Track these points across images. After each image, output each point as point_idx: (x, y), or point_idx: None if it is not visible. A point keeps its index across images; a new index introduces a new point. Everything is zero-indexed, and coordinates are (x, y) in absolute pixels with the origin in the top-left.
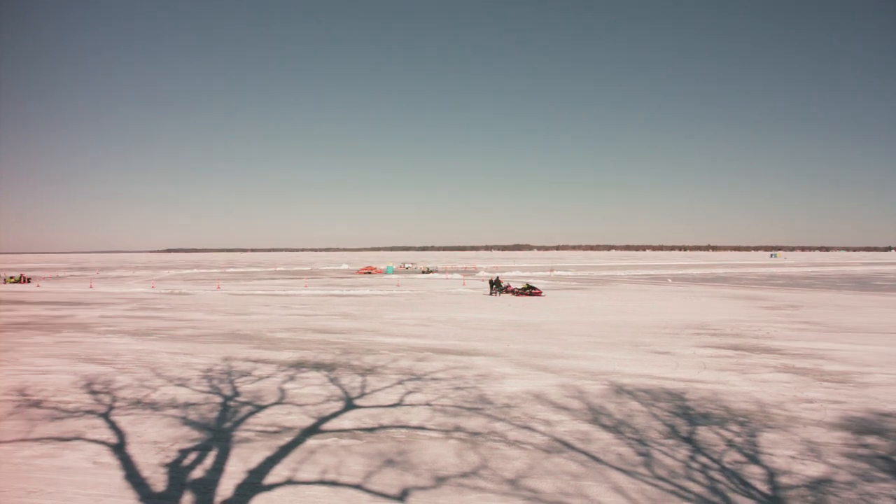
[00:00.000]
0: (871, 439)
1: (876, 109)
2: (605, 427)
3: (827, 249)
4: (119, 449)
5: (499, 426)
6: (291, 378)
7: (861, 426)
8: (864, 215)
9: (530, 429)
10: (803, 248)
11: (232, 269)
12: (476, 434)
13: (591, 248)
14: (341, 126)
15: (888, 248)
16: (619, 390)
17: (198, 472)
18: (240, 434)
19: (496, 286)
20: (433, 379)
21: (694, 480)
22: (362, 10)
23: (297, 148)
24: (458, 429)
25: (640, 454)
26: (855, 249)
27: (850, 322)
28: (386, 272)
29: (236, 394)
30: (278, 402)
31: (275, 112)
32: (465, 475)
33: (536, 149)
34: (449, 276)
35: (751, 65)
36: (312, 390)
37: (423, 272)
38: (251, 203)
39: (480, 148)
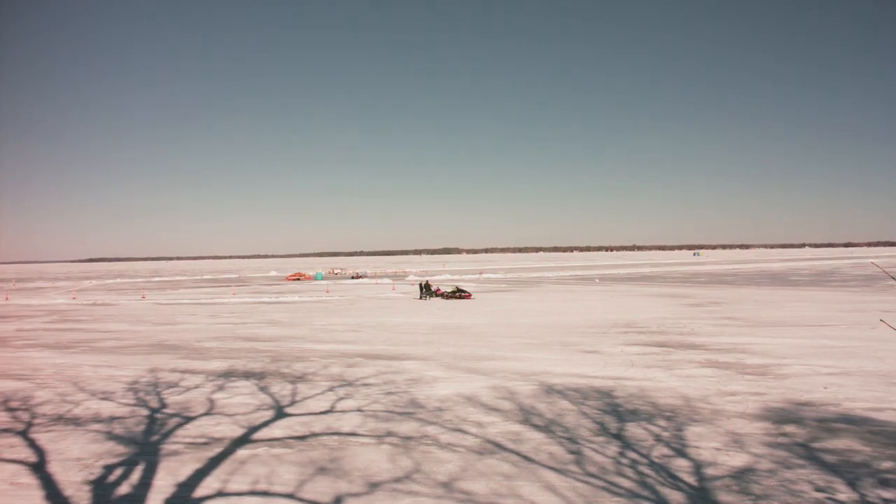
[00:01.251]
0: (789, 428)
1: (790, 109)
2: (536, 427)
3: (747, 247)
4: (39, 468)
5: (431, 430)
6: (220, 388)
7: (780, 416)
8: (781, 214)
9: (462, 431)
10: (724, 247)
11: (157, 279)
12: (408, 438)
13: (520, 250)
14: (265, 132)
15: (802, 245)
16: (550, 390)
17: (124, 488)
18: (168, 447)
19: (426, 290)
20: (364, 385)
21: (624, 476)
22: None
23: (221, 155)
24: (390, 434)
25: (571, 452)
26: (772, 247)
27: (769, 316)
28: (315, 278)
29: (163, 406)
30: (207, 413)
31: (192, 119)
32: (398, 480)
33: (463, 151)
34: (378, 281)
35: (664, 63)
36: (242, 399)
37: (353, 277)
38: (175, 210)
39: (408, 152)
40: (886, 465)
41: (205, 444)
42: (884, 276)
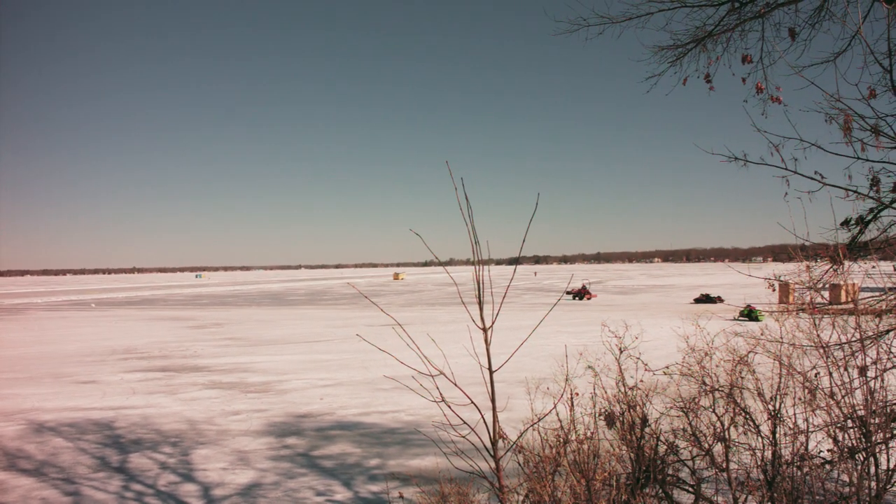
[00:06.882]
0: (291, 440)
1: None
2: (25, 471)
3: (248, 269)
4: None
5: None
6: None
7: (283, 430)
8: (280, 238)
9: None
10: (226, 268)
11: None
12: None
13: (2, 273)
14: None
15: (299, 267)
16: (40, 429)
17: None
18: None
19: None
20: None
21: None
22: None
23: None
24: None
25: (69, 494)
26: (272, 268)
27: (270, 335)
28: None
29: None
30: None
31: None
32: None
33: None
34: None
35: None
36: None
37: None
38: None
39: None
40: (374, 462)
41: None
42: (361, 295)
